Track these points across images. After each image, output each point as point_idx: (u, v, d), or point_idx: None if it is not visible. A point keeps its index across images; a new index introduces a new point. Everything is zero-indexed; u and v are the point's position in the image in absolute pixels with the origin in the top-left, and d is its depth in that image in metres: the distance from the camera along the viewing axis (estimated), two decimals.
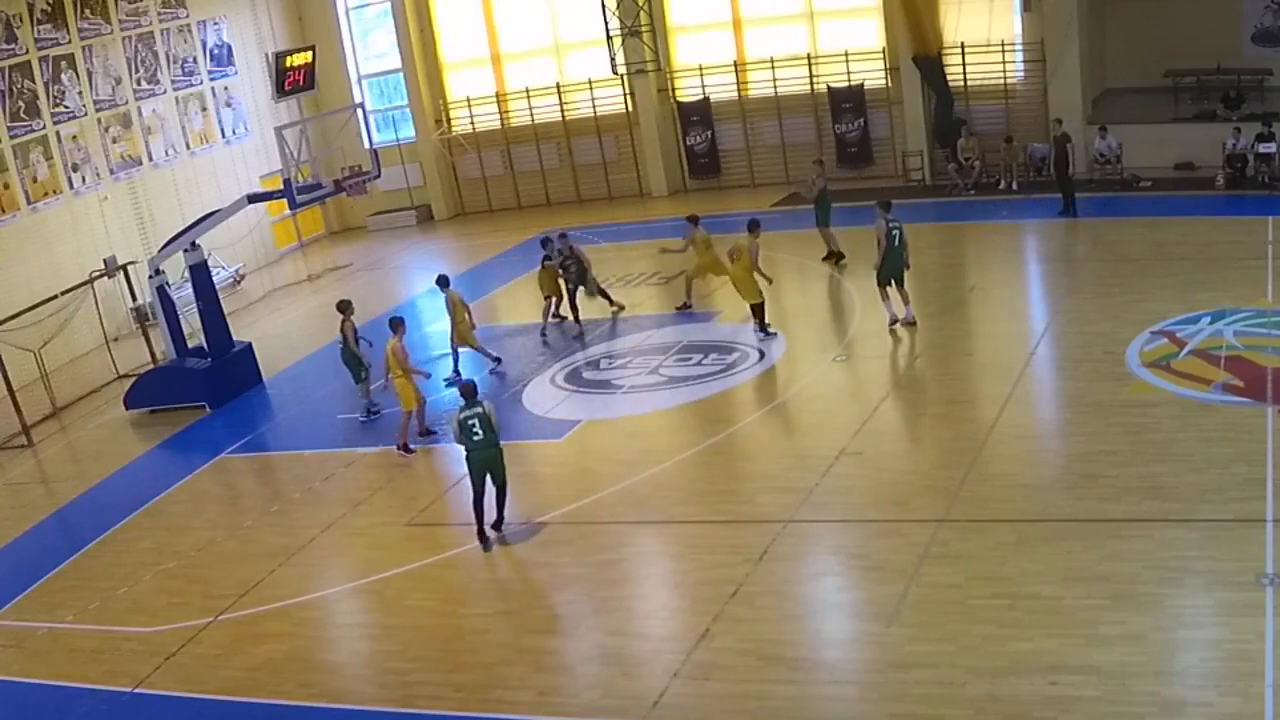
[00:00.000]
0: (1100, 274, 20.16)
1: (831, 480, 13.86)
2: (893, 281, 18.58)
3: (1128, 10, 27.23)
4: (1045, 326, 18.04)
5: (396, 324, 16.88)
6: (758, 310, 18.94)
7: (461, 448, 13.70)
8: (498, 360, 19.43)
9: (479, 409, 13.51)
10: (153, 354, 22.25)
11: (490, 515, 13.78)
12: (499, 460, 13.66)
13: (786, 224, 26.11)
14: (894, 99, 28.47)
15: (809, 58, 29.34)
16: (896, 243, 18.40)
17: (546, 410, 17.65)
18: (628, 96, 30.99)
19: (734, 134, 30.54)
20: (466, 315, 19.09)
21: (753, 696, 10.16)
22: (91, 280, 23.26)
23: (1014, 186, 26.32)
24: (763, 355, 18.34)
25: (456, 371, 19.18)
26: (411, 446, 16.75)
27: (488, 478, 13.64)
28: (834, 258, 22.89)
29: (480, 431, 13.46)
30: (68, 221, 25.34)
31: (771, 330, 18.94)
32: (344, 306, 18.44)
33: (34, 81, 24.88)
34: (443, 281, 19.32)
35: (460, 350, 19.29)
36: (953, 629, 10.54)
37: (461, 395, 13.75)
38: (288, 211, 26.21)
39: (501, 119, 32.40)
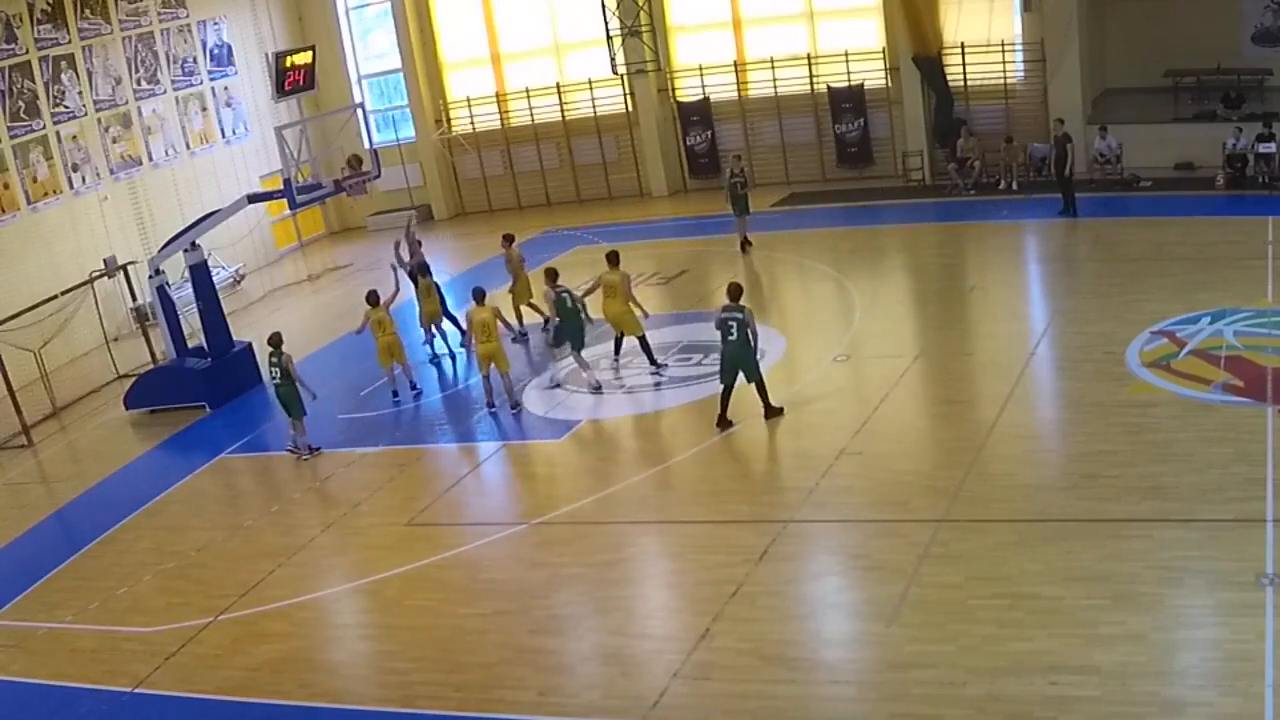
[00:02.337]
0: (1100, 274, 20.15)
1: (831, 480, 13.86)
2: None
3: (1128, 10, 27.22)
4: (1045, 326, 18.03)
5: (480, 294, 17.53)
6: (644, 343, 18.14)
7: None
8: (396, 393, 18.95)
9: (738, 314, 15.19)
10: (153, 354, 22.23)
11: (757, 406, 15.65)
12: (746, 359, 15.37)
13: (787, 224, 26.19)
14: (894, 99, 28.45)
15: (809, 58, 29.32)
16: (570, 304, 17.78)
17: (546, 410, 17.65)
18: (628, 96, 30.98)
19: (734, 134, 30.48)
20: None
21: (753, 696, 10.16)
22: (91, 280, 23.25)
23: (1014, 186, 26.29)
24: (763, 355, 18.28)
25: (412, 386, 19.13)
26: (519, 400, 17.63)
27: (739, 374, 15.40)
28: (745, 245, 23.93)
29: (735, 333, 15.16)
30: (68, 221, 25.34)
31: (662, 363, 18.25)
32: (278, 340, 17.19)
33: (34, 81, 24.88)
34: (371, 299, 18.87)
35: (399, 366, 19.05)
36: (953, 629, 10.54)
37: (727, 295, 15.50)
38: (288, 211, 26.18)
39: (501, 119, 32.39)
